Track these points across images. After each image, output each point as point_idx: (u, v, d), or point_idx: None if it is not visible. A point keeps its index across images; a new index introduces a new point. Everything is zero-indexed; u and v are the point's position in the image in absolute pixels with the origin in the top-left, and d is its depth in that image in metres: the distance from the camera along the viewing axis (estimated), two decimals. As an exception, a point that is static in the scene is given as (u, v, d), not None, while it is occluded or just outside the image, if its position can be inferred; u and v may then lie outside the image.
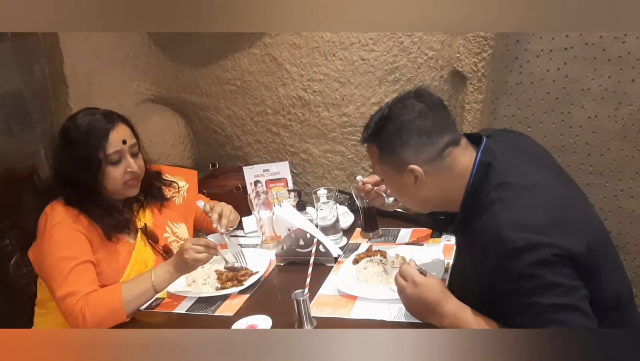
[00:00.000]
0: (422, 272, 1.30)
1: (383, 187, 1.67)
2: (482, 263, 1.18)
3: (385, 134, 1.28)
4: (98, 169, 1.58)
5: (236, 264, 1.68)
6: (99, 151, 1.57)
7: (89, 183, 1.59)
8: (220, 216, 1.79)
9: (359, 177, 1.75)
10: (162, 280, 1.57)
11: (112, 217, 1.65)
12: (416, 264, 1.33)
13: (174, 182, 1.89)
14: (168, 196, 1.85)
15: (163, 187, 1.85)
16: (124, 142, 1.60)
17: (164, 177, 1.87)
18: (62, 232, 1.55)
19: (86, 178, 1.59)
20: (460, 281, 1.39)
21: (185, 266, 1.56)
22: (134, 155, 1.64)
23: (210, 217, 1.79)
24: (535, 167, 1.29)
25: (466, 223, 1.26)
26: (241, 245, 1.96)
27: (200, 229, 1.99)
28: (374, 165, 1.37)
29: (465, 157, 1.27)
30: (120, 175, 1.61)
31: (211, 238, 1.88)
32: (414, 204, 1.39)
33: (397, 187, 1.35)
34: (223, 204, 1.86)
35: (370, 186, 1.69)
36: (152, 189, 1.80)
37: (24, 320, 1.73)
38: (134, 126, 1.68)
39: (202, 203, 1.86)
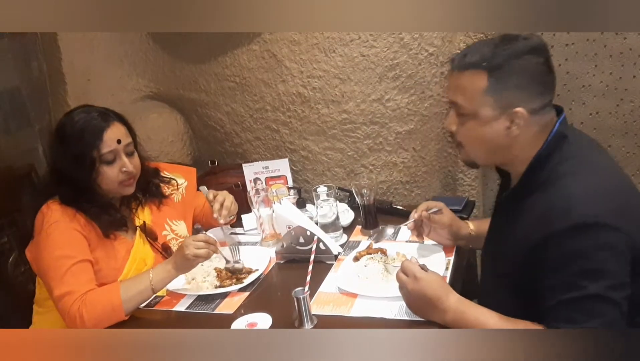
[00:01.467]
0: (424, 268, 1.30)
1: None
2: (539, 230, 1.13)
3: (507, 66, 1.17)
4: (92, 168, 1.57)
5: (236, 265, 1.67)
6: (93, 150, 1.55)
7: (83, 181, 1.58)
8: (221, 206, 1.78)
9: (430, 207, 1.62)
10: (161, 279, 1.56)
11: (109, 215, 1.64)
12: (417, 261, 1.33)
13: (173, 179, 1.88)
14: (167, 194, 1.84)
15: (161, 184, 1.84)
16: (119, 141, 1.58)
17: (162, 174, 1.86)
18: (59, 231, 1.54)
19: (80, 177, 1.58)
20: (499, 247, 1.33)
21: (185, 262, 1.55)
22: (129, 154, 1.62)
23: (212, 205, 1.78)
24: (600, 152, 1.27)
25: (526, 190, 1.22)
26: (240, 243, 1.95)
27: (198, 224, 1.98)
28: (462, 97, 1.23)
29: (552, 122, 1.23)
30: (115, 175, 1.59)
31: (210, 234, 1.88)
32: (483, 153, 1.29)
33: (479, 130, 1.24)
34: (225, 193, 1.84)
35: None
36: (150, 187, 1.79)
37: (23, 318, 1.73)
38: (130, 124, 1.67)
39: (205, 188, 1.86)
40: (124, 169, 1.60)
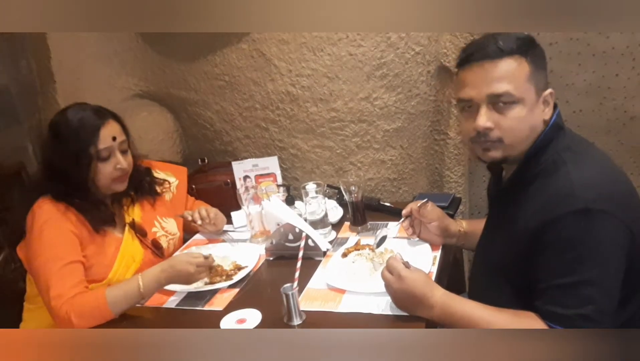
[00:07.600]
0: (406, 265, 1.32)
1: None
2: (541, 215, 1.15)
3: (537, 50, 1.23)
4: (88, 165, 1.59)
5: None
6: (89, 147, 1.57)
7: (78, 178, 1.60)
8: (207, 217, 1.89)
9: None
10: (151, 287, 1.54)
11: (99, 210, 1.66)
12: (401, 258, 1.35)
13: (166, 180, 1.91)
14: (159, 192, 1.86)
15: (154, 183, 1.86)
16: (114, 138, 1.61)
17: (155, 173, 1.88)
18: (51, 230, 1.55)
19: (76, 174, 1.59)
20: (498, 237, 1.34)
21: (182, 281, 1.56)
22: (123, 152, 1.64)
23: (205, 225, 1.89)
24: (593, 146, 1.29)
25: (525, 178, 1.24)
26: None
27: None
28: (506, 85, 1.19)
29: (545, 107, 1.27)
30: (110, 171, 1.61)
31: (203, 235, 1.94)
32: (524, 142, 1.24)
33: (524, 117, 1.21)
34: (201, 207, 1.95)
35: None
36: (142, 185, 1.81)
37: (13, 316, 1.73)
38: (124, 122, 1.69)
39: (186, 213, 1.92)
40: (119, 166, 1.62)
